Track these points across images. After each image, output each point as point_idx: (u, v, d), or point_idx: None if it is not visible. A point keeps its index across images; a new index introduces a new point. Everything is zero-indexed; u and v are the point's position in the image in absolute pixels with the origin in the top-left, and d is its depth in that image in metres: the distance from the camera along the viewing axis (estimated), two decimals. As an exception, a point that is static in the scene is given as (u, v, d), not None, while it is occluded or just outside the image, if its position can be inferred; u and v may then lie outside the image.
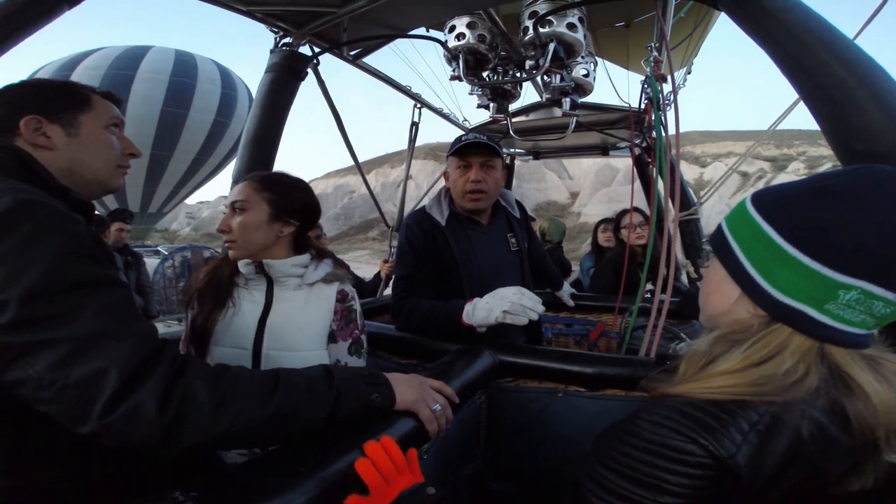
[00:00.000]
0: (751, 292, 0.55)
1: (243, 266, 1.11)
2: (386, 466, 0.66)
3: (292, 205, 1.11)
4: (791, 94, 1.15)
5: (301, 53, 1.91)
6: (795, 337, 0.52)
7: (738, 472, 0.46)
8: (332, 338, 1.12)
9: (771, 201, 0.56)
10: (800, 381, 0.49)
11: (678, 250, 2.46)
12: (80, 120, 0.79)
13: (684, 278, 2.89)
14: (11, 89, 0.78)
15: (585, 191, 39.90)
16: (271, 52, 1.88)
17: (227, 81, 15.50)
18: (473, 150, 1.49)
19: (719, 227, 0.61)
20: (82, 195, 0.78)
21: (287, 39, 1.89)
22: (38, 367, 0.56)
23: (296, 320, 1.09)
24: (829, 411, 0.48)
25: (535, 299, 1.24)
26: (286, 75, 1.85)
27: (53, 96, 0.78)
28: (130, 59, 14.20)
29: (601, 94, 2.49)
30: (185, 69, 14.62)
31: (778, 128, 1.55)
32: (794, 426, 0.47)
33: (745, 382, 0.50)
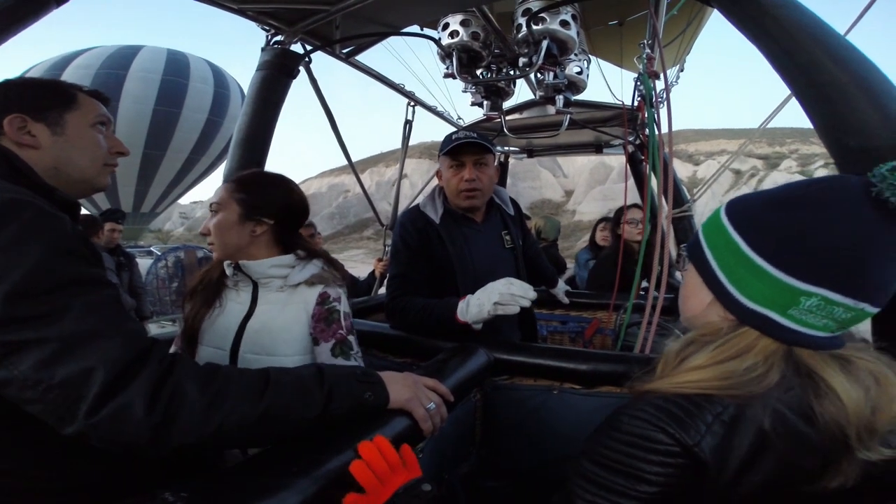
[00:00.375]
0: (721, 298, 0.59)
1: (226, 267, 1.12)
2: (380, 466, 0.67)
3: (265, 204, 1.09)
4: (784, 91, 1.16)
5: (293, 51, 1.89)
6: (762, 339, 0.55)
7: (703, 459, 0.49)
8: (315, 341, 1.09)
9: (741, 211, 0.59)
10: (761, 376, 0.52)
11: (672, 247, 2.47)
12: (65, 118, 0.78)
13: (678, 275, 2.91)
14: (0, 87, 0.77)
15: (580, 189, 40.02)
16: (262, 50, 1.86)
17: (220, 80, 15.44)
18: (465, 148, 1.49)
19: (696, 235, 0.65)
20: (69, 194, 0.77)
21: (279, 37, 1.87)
22: (23, 367, 0.55)
23: (273, 324, 1.07)
24: (794, 407, 0.50)
25: (524, 287, 1.25)
26: (278, 73, 1.83)
27: (39, 95, 0.77)
28: (122, 59, 14.11)
29: (595, 92, 2.50)
30: (177, 68, 14.55)
31: (771, 126, 1.56)
32: (757, 419, 0.50)
33: (710, 377, 0.54)
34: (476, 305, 1.26)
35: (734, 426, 0.50)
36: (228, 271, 1.12)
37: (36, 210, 0.61)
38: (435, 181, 1.69)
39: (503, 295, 1.22)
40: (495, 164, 1.60)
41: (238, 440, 0.69)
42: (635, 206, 2.64)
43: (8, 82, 0.78)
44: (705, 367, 0.55)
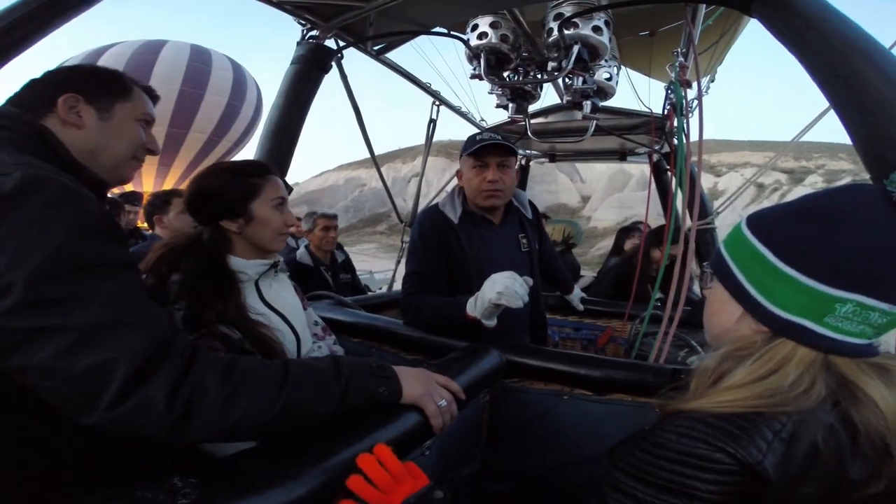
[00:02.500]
0: (752, 310, 0.58)
1: (261, 265, 1.06)
2: (383, 479, 0.64)
3: None
4: (813, 105, 1.14)
5: (327, 47, 1.92)
6: (799, 349, 0.54)
7: (768, 476, 0.48)
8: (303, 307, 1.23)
9: (764, 222, 0.59)
10: (807, 391, 0.51)
11: (692, 260, 2.43)
12: (115, 107, 0.80)
13: (696, 288, 2.86)
14: (63, 69, 0.79)
15: (597, 195, 39.61)
16: (298, 44, 1.90)
17: (238, 69, 16.13)
18: (490, 149, 1.51)
19: (718, 250, 0.64)
20: (97, 175, 0.76)
21: (314, 32, 1.90)
22: (42, 355, 0.53)
23: (293, 303, 1.16)
24: (840, 419, 0.50)
25: (524, 286, 1.25)
26: (311, 68, 1.87)
27: (99, 81, 0.80)
28: (150, 49, 14.74)
29: (621, 100, 2.47)
30: (199, 56, 15.15)
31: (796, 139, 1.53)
32: (811, 434, 0.49)
33: (753, 395, 0.52)
34: (481, 299, 1.26)
35: (793, 442, 0.49)
36: (262, 269, 1.06)
37: (60, 186, 0.59)
38: (454, 181, 1.70)
39: (507, 287, 1.22)
40: (517, 167, 1.60)
41: (254, 434, 0.69)
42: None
43: (77, 66, 0.80)
44: (747, 385, 0.54)
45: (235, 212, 1.01)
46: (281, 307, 1.08)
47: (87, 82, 0.78)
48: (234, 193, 1.01)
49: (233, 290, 0.98)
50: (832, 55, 0.96)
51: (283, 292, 1.13)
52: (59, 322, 0.54)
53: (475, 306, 1.28)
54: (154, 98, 0.89)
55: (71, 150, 0.73)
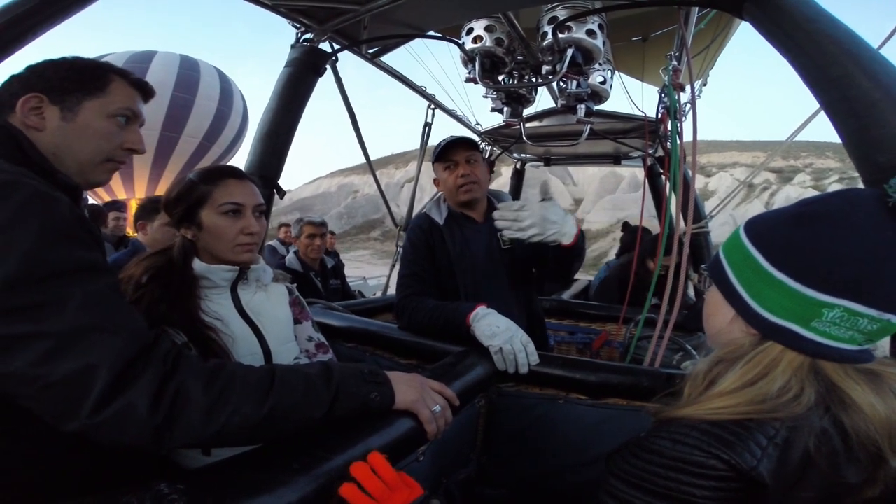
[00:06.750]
0: (742, 312, 0.60)
1: (227, 271, 1.04)
2: (377, 488, 0.63)
3: None
4: (800, 105, 1.15)
5: (321, 50, 1.91)
6: (786, 353, 0.55)
7: (764, 482, 0.48)
8: (297, 321, 1.21)
9: (759, 227, 0.60)
10: (797, 397, 0.52)
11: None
12: (83, 105, 0.75)
13: (691, 291, 2.87)
14: (37, 66, 0.75)
15: (589, 198, 39.84)
16: (292, 47, 1.89)
17: (224, 78, 16.59)
18: (454, 147, 1.58)
19: (717, 254, 0.66)
20: (71, 178, 0.73)
21: (308, 35, 1.89)
22: (18, 363, 0.53)
23: (275, 315, 1.13)
24: (832, 424, 0.50)
25: (532, 356, 1.22)
26: (305, 70, 1.86)
27: (69, 76, 0.75)
28: (142, 57, 15.04)
29: (614, 104, 2.48)
30: (189, 64, 15.55)
31: (785, 138, 1.54)
32: (803, 440, 0.49)
33: (743, 402, 0.53)
34: (488, 329, 1.24)
35: (786, 448, 0.50)
36: (229, 275, 1.05)
37: (30, 191, 0.57)
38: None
39: (516, 345, 1.20)
40: (485, 163, 1.67)
41: (240, 440, 0.68)
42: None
43: (50, 62, 0.76)
44: (737, 391, 0.54)
45: (188, 220, 1.01)
46: (256, 317, 1.07)
47: (54, 79, 0.73)
48: (184, 201, 1.01)
49: (186, 293, 0.98)
50: (823, 57, 0.97)
51: (267, 302, 1.12)
52: (35, 329, 0.54)
53: (480, 320, 1.26)
54: (146, 93, 0.84)
55: (41, 151, 0.70)
